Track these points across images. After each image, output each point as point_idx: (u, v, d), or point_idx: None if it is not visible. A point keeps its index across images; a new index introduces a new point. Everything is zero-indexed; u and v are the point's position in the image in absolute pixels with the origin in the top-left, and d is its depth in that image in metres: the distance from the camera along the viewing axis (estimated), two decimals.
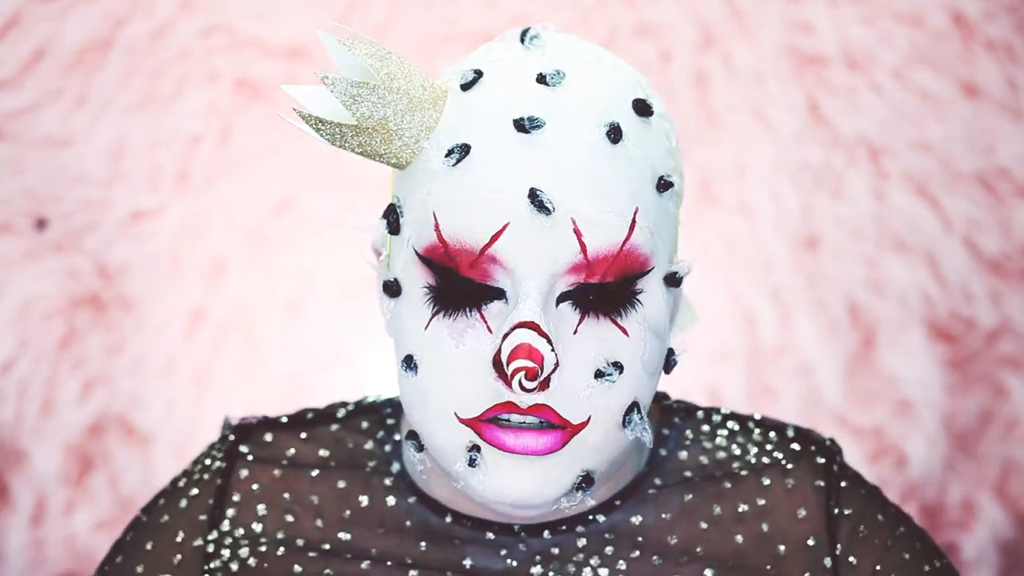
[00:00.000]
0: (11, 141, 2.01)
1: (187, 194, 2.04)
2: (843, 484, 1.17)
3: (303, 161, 2.04)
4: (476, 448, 1.04)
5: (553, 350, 1.00)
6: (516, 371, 0.99)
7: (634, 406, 1.05)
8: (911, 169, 2.02)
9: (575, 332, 1.03)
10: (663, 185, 1.05)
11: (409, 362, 1.06)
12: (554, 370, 1.01)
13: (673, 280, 1.07)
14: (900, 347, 2.02)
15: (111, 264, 2.03)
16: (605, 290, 1.03)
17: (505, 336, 1.00)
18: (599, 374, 1.03)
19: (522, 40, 1.08)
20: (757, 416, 1.22)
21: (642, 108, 1.06)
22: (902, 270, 2.02)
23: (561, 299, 1.03)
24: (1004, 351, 2.03)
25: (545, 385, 1.01)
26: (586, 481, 1.05)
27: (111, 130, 2.02)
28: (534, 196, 1.00)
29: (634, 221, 1.02)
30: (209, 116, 2.04)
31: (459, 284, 1.03)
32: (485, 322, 1.03)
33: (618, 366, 1.03)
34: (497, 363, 1.01)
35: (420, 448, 1.08)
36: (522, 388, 0.99)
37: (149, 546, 1.17)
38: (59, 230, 2.02)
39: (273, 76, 2.02)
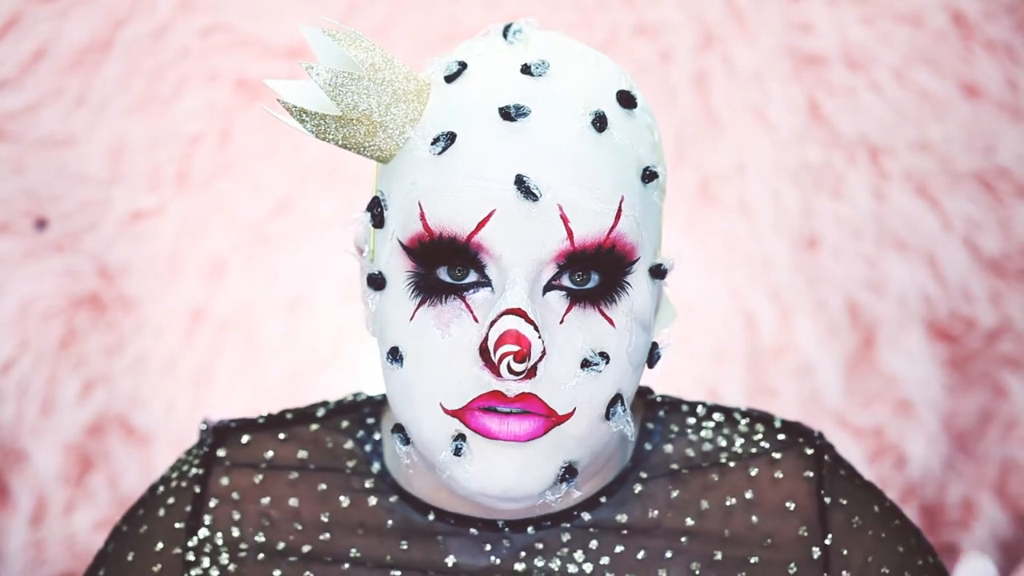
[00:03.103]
0: (11, 141, 2.01)
1: (187, 194, 2.04)
2: (840, 473, 1.16)
3: (303, 161, 2.04)
4: (462, 437, 1.03)
5: (540, 337, 1.00)
6: (504, 356, 0.99)
7: (618, 398, 1.05)
8: (911, 169, 2.02)
9: (562, 321, 1.03)
10: (648, 176, 1.05)
11: (395, 354, 1.05)
12: (541, 358, 1.00)
13: (658, 272, 1.07)
14: (900, 347, 2.02)
15: (111, 264, 2.03)
16: (592, 277, 1.03)
17: (492, 323, 1.00)
18: (586, 363, 1.02)
19: (505, 35, 1.08)
20: (743, 408, 1.21)
21: (626, 100, 1.06)
22: (902, 270, 2.02)
23: (548, 288, 1.03)
24: (1004, 351, 2.03)
25: (532, 373, 1.01)
26: (569, 472, 1.04)
27: (111, 130, 2.02)
28: (521, 182, 1.00)
29: (620, 209, 1.03)
30: (209, 116, 2.04)
31: (444, 273, 1.03)
32: (471, 311, 1.03)
33: (604, 356, 1.03)
34: (484, 351, 1.00)
35: (406, 441, 1.07)
36: (510, 372, 0.99)
37: (130, 557, 1.17)
38: (59, 230, 2.02)
39: (273, 76, 2.01)
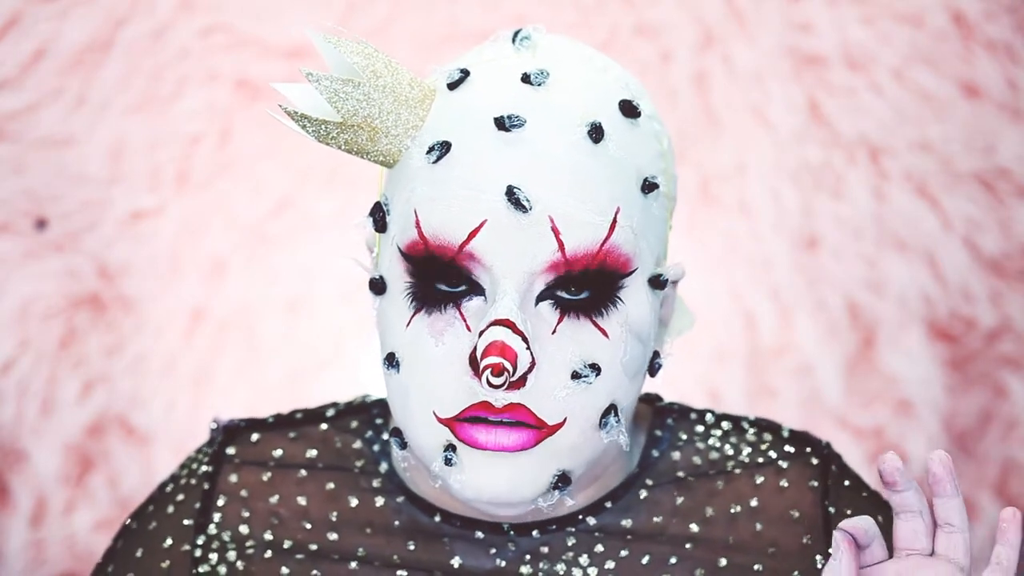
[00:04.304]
0: (11, 141, 2.01)
1: (187, 194, 2.04)
2: (845, 483, 1.16)
3: (303, 161, 2.04)
4: (452, 447, 1.04)
5: (529, 348, 1.00)
6: (485, 368, 0.99)
7: (611, 408, 1.05)
8: (911, 169, 2.02)
9: (553, 332, 1.03)
10: (648, 187, 1.05)
11: (391, 360, 1.06)
12: (530, 369, 1.01)
13: (658, 283, 1.07)
14: (900, 347, 2.02)
15: (111, 264, 2.03)
16: (585, 289, 1.03)
17: (481, 333, 1.00)
18: (575, 375, 1.03)
19: (513, 41, 1.08)
20: (751, 417, 1.21)
21: (628, 109, 1.06)
22: (902, 270, 2.02)
23: (541, 298, 1.03)
24: (1004, 351, 2.03)
25: (521, 383, 1.01)
26: (562, 480, 1.05)
27: (111, 130, 2.02)
28: (511, 194, 1.00)
29: (615, 220, 1.02)
30: (209, 116, 2.04)
31: (439, 282, 1.04)
32: (464, 320, 1.03)
33: (595, 367, 1.03)
34: (473, 361, 1.01)
35: (403, 446, 1.08)
36: (489, 385, 0.99)
37: (139, 553, 1.17)
38: (59, 230, 2.02)
39: (273, 76, 2.02)
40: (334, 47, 1.02)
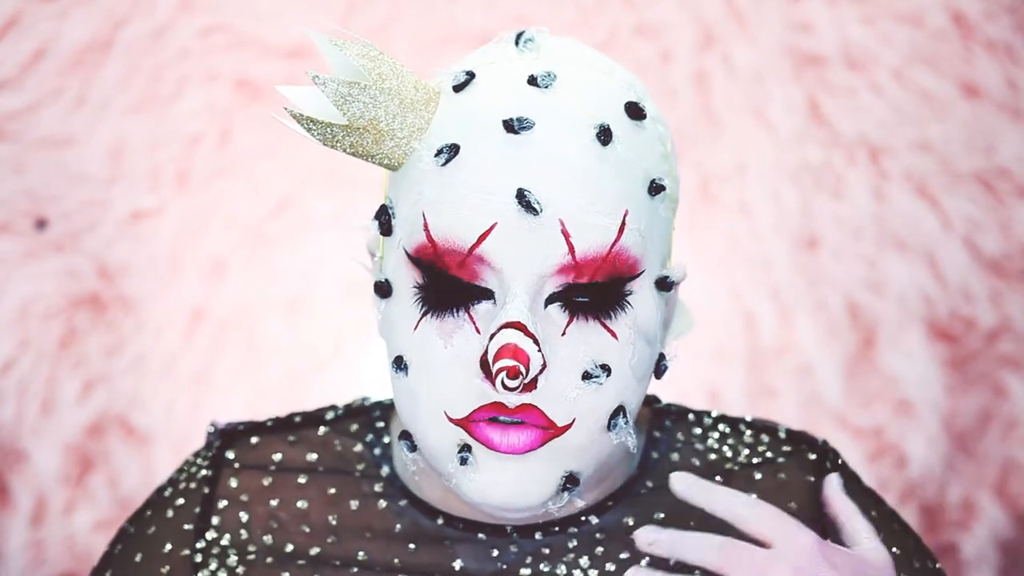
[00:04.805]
0: (11, 141, 2.01)
1: (187, 194, 2.04)
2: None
3: (303, 161, 2.04)
4: (467, 447, 1.04)
5: (540, 350, 1.00)
6: (499, 371, 0.99)
7: (620, 410, 1.05)
8: (911, 169, 2.02)
9: (563, 334, 1.03)
10: (655, 189, 1.05)
11: (399, 363, 1.06)
12: (541, 371, 1.01)
13: (664, 284, 1.07)
14: (900, 347, 2.02)
15: (111, 264, 2.03)
16: (594, 291, 1.03)
17: (492, 336, 1.00)
18: (587, 376, 1.03)
19: (516, 43, 1.08)
20: (748, 418, 1.21)
21: (634, 111, 1.06)
22: (902, 270, 2.02)
23: (550, 300, 1.03)
24: (1004, 351, 2.03)
25: (532, 386, 1.01)
26: (571, 482, 1.05)
27: (111, 130, 2.02)
28: (522, 196, 1.00)
29: (624, 223, 1.03)
30: (209, 116, 2.04)
31: (447, 284, 1.03)
32: (473, 323, 1.03)
33: (606, 368, 1.03)
34: (484, 363, 1.01)
35: (413, 448, 1.08)
36: (504, 387, 0.99)
37: (138, 558, 1.17)
38: (59, 230, 2.02)
39: (273, 76, 2.02)
40: (338, 49, 1.02)
